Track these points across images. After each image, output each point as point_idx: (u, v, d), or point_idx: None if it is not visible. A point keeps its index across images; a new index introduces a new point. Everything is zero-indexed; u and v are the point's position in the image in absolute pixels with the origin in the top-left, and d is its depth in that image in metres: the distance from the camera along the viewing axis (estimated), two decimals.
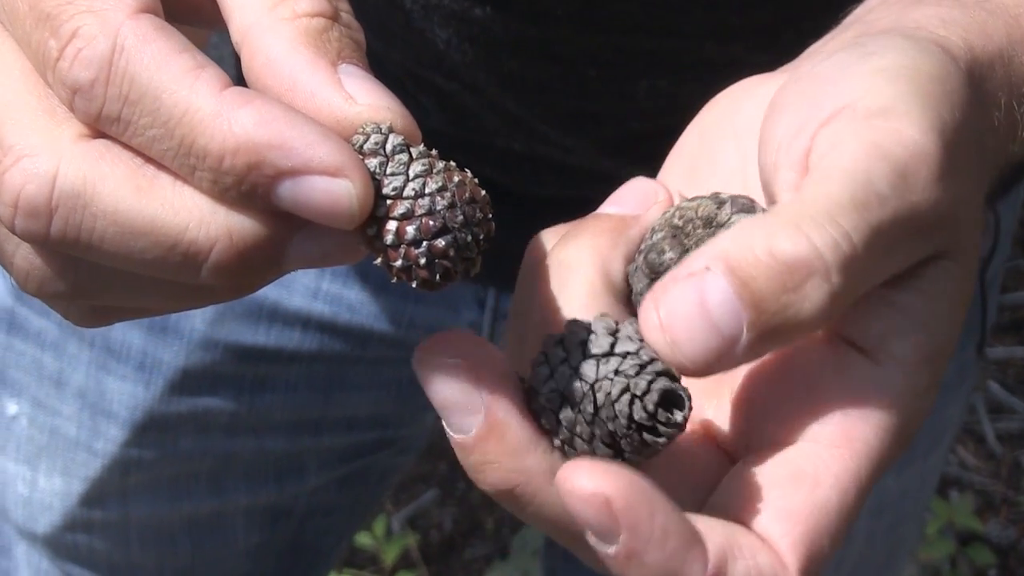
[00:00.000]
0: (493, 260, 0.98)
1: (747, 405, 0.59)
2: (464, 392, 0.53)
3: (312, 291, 0.99)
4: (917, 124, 0.55)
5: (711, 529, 0.53)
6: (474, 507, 2.44)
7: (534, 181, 0.90)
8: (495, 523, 2.42)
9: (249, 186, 0.50)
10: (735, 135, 0.63)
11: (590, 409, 0.53)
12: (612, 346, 0.54)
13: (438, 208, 0.51)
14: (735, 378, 0.59)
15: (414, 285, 0.52)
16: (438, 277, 0.52)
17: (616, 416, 0.53)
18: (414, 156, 0.52)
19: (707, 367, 0.53)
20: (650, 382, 0.53)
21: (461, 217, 0.51)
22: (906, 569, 2.24)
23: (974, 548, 2.31)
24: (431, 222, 0.51)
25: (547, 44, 0.83)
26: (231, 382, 1.03)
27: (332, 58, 0.52)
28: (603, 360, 0.54)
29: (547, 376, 0.54)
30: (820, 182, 0.54)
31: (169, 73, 0.50)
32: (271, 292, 0.99)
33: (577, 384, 0.54)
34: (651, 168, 0.73)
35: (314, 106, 0.51)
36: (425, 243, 0.51)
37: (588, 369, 0.54)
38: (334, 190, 0.50)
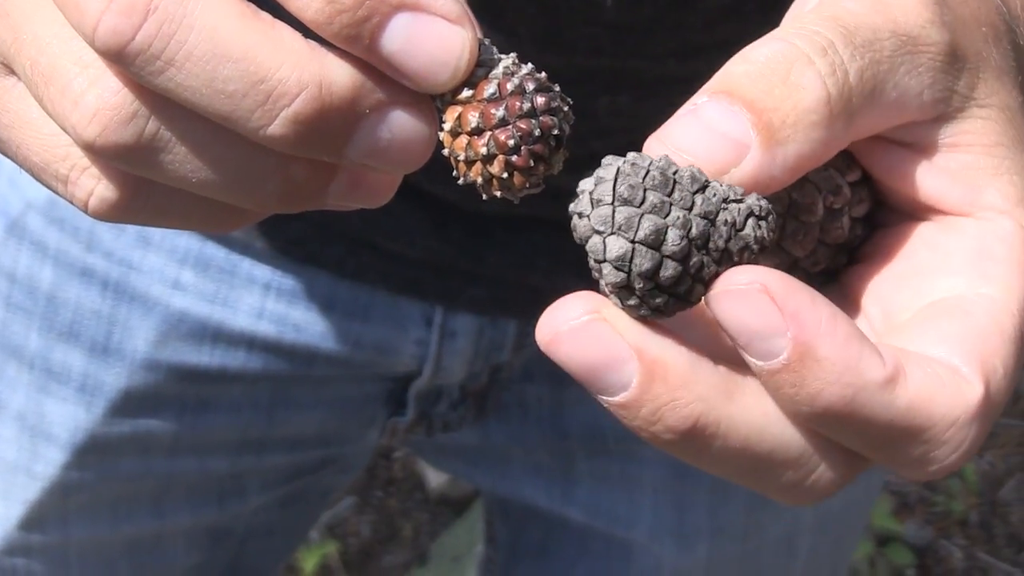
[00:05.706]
0: (440, 278, 0.98)
1: (860, 300, 0.57)
2: (609, 346, 0.50)
3: (257, 311, 0.98)
4: None
5: (878, 344, 0.51)
6: (392, 514, 2.43)
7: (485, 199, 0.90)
8: (413, 530, 2.41)
9: (366, 12, 0.48)
10: None
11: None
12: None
13: (529, 89, 0.51)
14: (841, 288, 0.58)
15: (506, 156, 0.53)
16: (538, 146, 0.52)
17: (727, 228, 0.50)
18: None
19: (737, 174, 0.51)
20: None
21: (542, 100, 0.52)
22: None
23: (892, 548, 2.34)
24: (519, 103, 0.51)
25: None
26: (174, 403, 1.02)
27: None
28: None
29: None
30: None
31: None
32: (215, 313, 0.98)
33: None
34: None
35: None
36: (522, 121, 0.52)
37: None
38: (449, 36, 0.49)
